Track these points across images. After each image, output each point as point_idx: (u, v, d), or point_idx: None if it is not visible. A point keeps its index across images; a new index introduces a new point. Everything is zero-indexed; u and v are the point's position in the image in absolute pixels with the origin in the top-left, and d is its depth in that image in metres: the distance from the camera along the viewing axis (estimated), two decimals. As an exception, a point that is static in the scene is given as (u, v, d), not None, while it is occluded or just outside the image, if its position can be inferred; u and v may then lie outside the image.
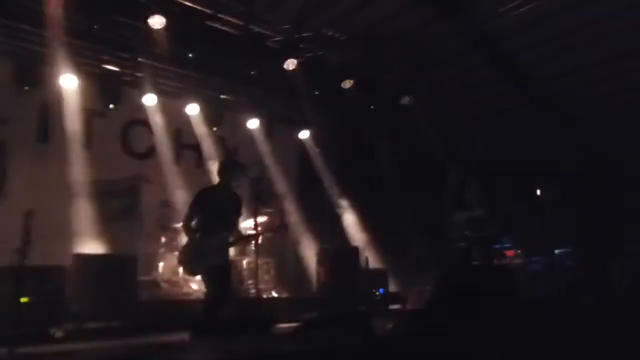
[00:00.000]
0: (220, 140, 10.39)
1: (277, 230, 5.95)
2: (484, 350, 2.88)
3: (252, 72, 8.77)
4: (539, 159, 11.58)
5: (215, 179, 5.95)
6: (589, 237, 10.37)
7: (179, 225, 5.70)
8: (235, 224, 5.74)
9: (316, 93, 9.86)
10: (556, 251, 10.89)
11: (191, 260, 5.48)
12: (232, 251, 5.81)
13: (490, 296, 3.47)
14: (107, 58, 8.36)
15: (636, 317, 4.37)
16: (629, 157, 10.92)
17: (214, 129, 10.38)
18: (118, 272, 6.81)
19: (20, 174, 8.01)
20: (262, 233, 5.93)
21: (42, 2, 6.85)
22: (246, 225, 7.25)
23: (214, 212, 5.60)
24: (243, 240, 5.70)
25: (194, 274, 5.71)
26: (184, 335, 4.82)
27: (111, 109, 8.85)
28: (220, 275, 5.45)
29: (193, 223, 5.59)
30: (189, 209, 5.70)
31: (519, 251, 10.76)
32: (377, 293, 9.33)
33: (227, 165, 5.90)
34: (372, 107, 10.33)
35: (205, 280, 5.57)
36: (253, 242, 5.75)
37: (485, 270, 4.88)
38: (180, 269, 5.93)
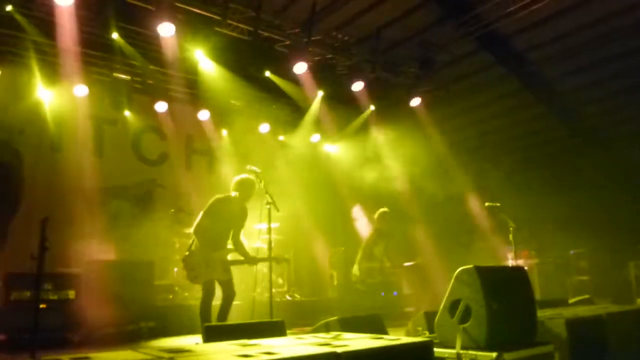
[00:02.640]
0: (231, 145, 10.45)
1: (279, 261, 6.04)
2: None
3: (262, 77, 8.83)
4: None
5: (226, 183, 6.00)
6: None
7: (191, 230, 5.78)
8: (238, 235, 5.83)
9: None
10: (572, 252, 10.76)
11: (194, 269, 5.62)
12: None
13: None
14: (117, 66, 8.45)
15: None
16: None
17: (225, 134, 10.45)
18: (135, 277, 6.87)
19: (36, 182, 8.11)
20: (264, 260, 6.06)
21: (54, 14, 6.93)
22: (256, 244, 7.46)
23: (223, 223, 5.74)
24: (247, 261, 5.84)
25: (195, 281, 5.84)
26: (199, 340, 4.83)
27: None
28: (222, 285, 5.68)
29: (202, 228, 5.66)
30: (202, 215, 5.76)
31: (533, 252, 10.65)
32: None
33: (248, 182, 5.92)
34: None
35: (204, 288, 5.70)
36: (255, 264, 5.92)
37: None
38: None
